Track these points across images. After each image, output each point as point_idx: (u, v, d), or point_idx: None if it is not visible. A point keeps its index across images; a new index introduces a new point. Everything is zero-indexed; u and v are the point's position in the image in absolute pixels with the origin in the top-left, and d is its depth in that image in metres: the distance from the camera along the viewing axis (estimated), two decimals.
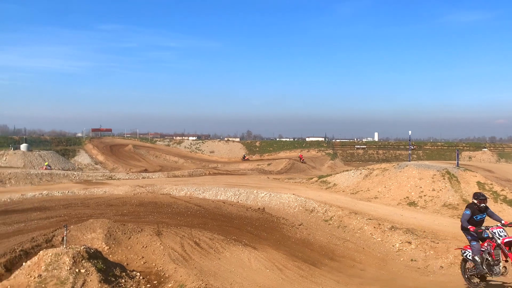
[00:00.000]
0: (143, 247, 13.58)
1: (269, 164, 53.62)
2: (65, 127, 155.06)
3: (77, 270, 9.51)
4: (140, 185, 29.91)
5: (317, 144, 77.11)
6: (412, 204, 22.05)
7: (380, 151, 72.82)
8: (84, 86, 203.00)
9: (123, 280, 10.22)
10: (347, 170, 32.81)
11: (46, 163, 41.40)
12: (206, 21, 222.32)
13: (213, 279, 10.81)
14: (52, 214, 20.62)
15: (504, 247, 8.79)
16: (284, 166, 52.22)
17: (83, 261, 9.79)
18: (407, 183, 24.18)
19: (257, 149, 71.10)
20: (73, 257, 9.75)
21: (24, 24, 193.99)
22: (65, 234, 11.66)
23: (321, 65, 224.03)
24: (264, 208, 22.97)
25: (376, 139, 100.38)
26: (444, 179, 23.21)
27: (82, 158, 53.50)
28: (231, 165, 53.94)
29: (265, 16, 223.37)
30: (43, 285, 8.99)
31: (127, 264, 12.19)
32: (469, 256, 9.57)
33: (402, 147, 72.88)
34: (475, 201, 9.42)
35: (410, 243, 15.82)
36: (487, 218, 9.52)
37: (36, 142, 56.23)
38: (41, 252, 10.08)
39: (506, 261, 8.86)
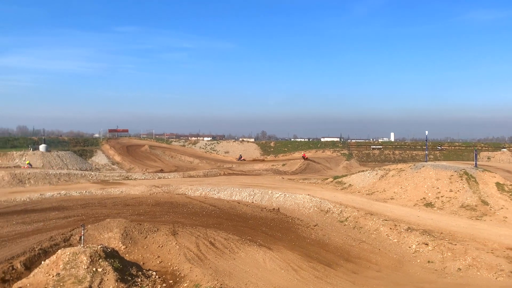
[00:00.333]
0: (159, 246, 13.73)
1: (283, 165, 53.50)
2: (82, 128, 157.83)
3: (94, 269, 9.67)
4: (156, 185, 30.20)
5: (332, 145, 76.59)
6: (429, 205, 21.76)
7: (396, 152, 71.93)
8: (101, 88, 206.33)
9: (139, 279, 10.35)
10: (363, 171, 32.59)
11: (28, 162, 41.33)
12: (220, 22, 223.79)
13: (228, 279, 10.86)
14: (70, 213, 21.01)
15: None
16: (299, 166, 52.04)
17: (100, 260, 9.96)
18: (423, 183, 23.89)
19: (272, 149, 71.01)
20: (91, 256, 9.92)
21: (43, 27, 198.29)
22: (82, 233, 11.87)
23: (336, 65, 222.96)
24: (279, 209, 22.95)
25: (392, 139, 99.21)
26: (462, 180, 22.84)
27: (99, 158, 54.25)
28: (245, 165, 54.00)
29: (279, 17, 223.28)
30: (61, 284, 9.17)
31: (143, 264, 12.34)
32: None
33: (419, 147, 71.88)
34: None
35: (427, 244, 15.62)
36: None
37: (55, 142, 57.18)
38: (59, 251, 10.29)
39: None
